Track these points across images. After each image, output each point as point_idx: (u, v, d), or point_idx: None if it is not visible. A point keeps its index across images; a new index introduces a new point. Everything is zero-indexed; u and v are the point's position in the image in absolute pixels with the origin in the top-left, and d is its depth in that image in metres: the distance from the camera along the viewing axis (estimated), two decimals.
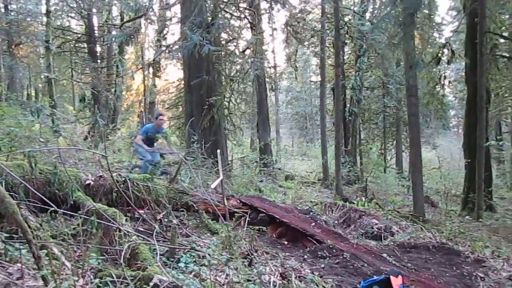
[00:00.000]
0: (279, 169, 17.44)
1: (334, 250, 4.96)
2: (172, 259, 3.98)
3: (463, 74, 14.03)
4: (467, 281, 4.41)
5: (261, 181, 12.23)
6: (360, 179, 15.34)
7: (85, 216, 3.83)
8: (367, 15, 15.77)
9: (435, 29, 16.68)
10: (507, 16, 13.57)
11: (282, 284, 3.75)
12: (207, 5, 10.86)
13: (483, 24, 10.67)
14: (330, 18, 14.42)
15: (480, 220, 8.95)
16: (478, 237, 6.50)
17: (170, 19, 13.76)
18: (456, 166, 15.57)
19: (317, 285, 3.98)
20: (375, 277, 4.19)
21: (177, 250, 4.14)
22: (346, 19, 15.33)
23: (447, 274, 4.61)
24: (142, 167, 7.71)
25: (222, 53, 12.09)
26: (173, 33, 14.97)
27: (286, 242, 5.39)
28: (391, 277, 4.07)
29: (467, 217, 9.38)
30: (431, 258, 5.07)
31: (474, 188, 10.57)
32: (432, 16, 14.97)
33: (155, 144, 8.26)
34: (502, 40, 13.24)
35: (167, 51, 12.95)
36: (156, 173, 7.08)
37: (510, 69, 12.61)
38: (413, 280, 4.40)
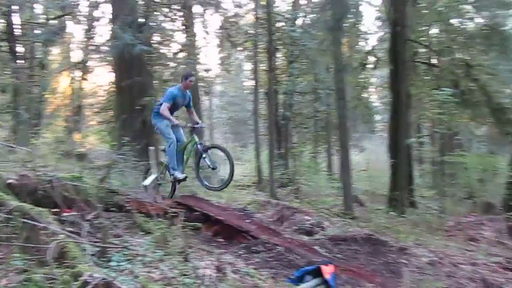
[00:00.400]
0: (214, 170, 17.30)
1: (269, 245, 5.06)
2: (104, 259, 3.86)
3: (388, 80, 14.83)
4: (392, 268, 4.70)
5: (195, 186, 12.12)
6: (293, 181, 15.67)
7: (7, 216, 3.61)
8: (299, 22, 16.25)
9: (361, 38, 17.60)
10: (426, 27, 14.59)
11: (217, 277, 3.76)
12: (138, 5, 10.67)
13: (404, 33, 11.42)
14: (263, 24, 14.69)
15: (404, 215, 9.51)
16: (402, 230, 6.92)
17: (99, 19, 13.31)
18: (382, 168, 16.39)
19: (252, 277, 4.04)
20: (307, 267, 4.33)
21: (109, 249, 4.02)
22: (278, 25, 15.68)
23: (374, 263, 4.88)
24: (169, 152, 6.02)
25: (155, 55, 11.91)
26: (102, 34, 14.42)
27: (221, 239, 5.40)
28: (322, 266, 4.25)
29: (392, 213, 9.92)
30: (359, 249, 5.33)
31: (398, 186, 11.24)
32: (357, 25, 15.79)
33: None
34: (422, 50, 14.22)
35: (96, 51, 12.52)
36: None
37: (429, 76, 13.56)
38: (343, 269, 4.59)
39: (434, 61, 13.91)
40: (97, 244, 3.95)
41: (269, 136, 14.65)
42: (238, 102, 28.12)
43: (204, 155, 5.93)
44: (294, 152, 17.91)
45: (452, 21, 13.24)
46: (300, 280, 4.15)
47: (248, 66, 24.01)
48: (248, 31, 15.84)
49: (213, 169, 5.95)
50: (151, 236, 4.68)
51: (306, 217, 6.79)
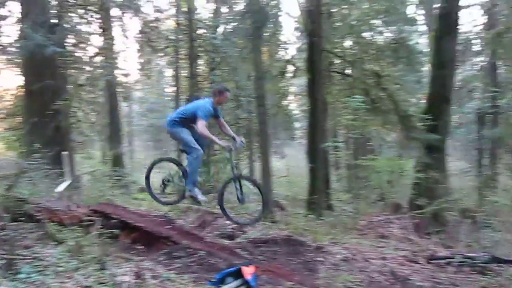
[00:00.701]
0: (133, 182, 16.87)
1: (190, 250, 5.03)
2: (11, 271, 3.62)
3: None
4: (309, 266, 4.92)
5: (113, 195, 11.72)
6: (215, 188, 15.65)
7: None
8: (220, 29, 16.39)
9: (281, 47, 18.14)
10: (340, 39, 15.41)
11: (136, 283, 3.68)
12: (50, 5, 10.14)
13: (320, 43, 11.97)
14: (185, 30, 14.62)
15: (321, 218, 9.91)
16: (319, 231, 7.22)
17: (5, 18, 12.38)
18: (302, 173, 16.97)
19: (173, 282, 3.99)
20: (228, 269, 4.38)
21: (16, 261, 3.77)
22: (200, 31, 15.67)
23: (293, 262, 5.07)
24: (194, 164, 5.46)
25: (69, 57, 11.35)
26: (9, 34, 13.34)
27: (141, 246, 5.25)
28: (243, 267, 4.31)
29: (310, 216, 10.30)
30: (279, 250, 5.47)
31: (316, 190, 11.70)
32: (277, 35, 16.28)
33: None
34: (338, 61, 14.97)
35: (2, 51, 11.65)
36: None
37: (343, 85, 14.32)
38: (263, 270, 4.69)
39: (348, 71, 14.70)
40: (2, 256, 3.69)
41: None
42: (159, 109, 27.59)
43: (235, 183, 5.44)
44: (216, 158, 17.93)
45: (364, 34, 14.12)
46: (221, 282, 4.18)
47: (169, 72, 23.69)
48: (169, 37, 15.67)
49: (241, 202, 5.50)
50: (64, 246, 4.46)
51: (228, 222, 6.82)
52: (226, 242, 5.84)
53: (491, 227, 9.62)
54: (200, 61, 16.93)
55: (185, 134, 5.53)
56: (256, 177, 18.09)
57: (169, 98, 23.16)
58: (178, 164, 6.00)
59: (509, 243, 8.32)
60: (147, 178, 5.98)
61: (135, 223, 5.53)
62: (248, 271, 4.27)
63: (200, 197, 5.61)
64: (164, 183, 5.93)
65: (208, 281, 4.22)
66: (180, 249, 5.05)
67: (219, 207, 5.47)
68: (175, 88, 16.66)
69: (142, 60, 18.54)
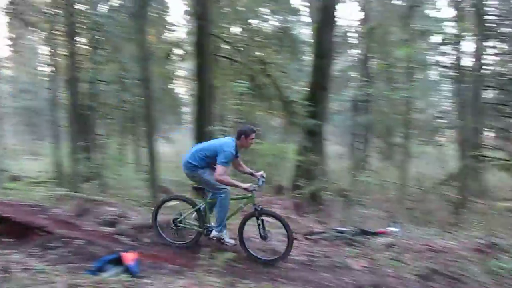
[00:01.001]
0: (5, 170, 15.37)
1: (67, 239, 4.78)
2: None
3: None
4: (194, 248, 5.00)
5: None
6: (98, 175, 14.92)
7: None
8: (103, 6, 15.45)
9: (168, 29, 17.73)
10: (228, 25, 15.53)
11: (3, 278, 3.38)
12: None
13: (207, 27, 11.92)
14: (62, 4, 13.46)
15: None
16: (206, 215, 7.29)
17: None
18: None
19: (46, 274, 3.74)
20: (107, 257, 4.24)
21: None
22: (80, 6, 14.57)
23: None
24: (223, 205, 5.05)
25: None
26: None
27: (10, 239, 4.82)
28: (123, 254, 4.21)
29: (198, 200, 10.38)
30: (164, 234, 5.42)
31: None
32: (164, 16, 15.87)
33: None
34: (227, 47, 15.07)
35: None
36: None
37: (231, 70, 14.49)
38: (146, 255, 4.64)
39: (235, 57, 14.90)
40: None
41: (70, 128, 13.65)
42: (33, 90, 25.19)
43: (257, 220, 5.03)
44: (100, 144, 17.05)
45: (251, 21, 14.41)
46: (100, 270, 4.02)
47: (44, 49, 21.71)
48: (44, 10, 14.33)
49: (264, 239, 5.07)
50: None
51: (110, 209, 6.57)
52: (107, 229, 5.61)
53: (362, 204, 10.65)
54: (81, 39, 15.83)
55: (209, 175, 5.07)
56: (144, 162, 17.63)
57: (45, 78, 21.27)
58: (191, 202, 5.50)
59: (376, 217, 9.31)
60: (155, 217, 5.40)
61: (1, 213, 5.06)
62: (129, 257, 4.18)
63: (228, 240, 5.20)
64: (176, 224, 5.37)
65: (86, 270, 4.03)
66: (55, 239, 4.77)
67: (239, 243, 5.13)
68: (51, 68, 15.36)
69: (12, 35, 16.72)
